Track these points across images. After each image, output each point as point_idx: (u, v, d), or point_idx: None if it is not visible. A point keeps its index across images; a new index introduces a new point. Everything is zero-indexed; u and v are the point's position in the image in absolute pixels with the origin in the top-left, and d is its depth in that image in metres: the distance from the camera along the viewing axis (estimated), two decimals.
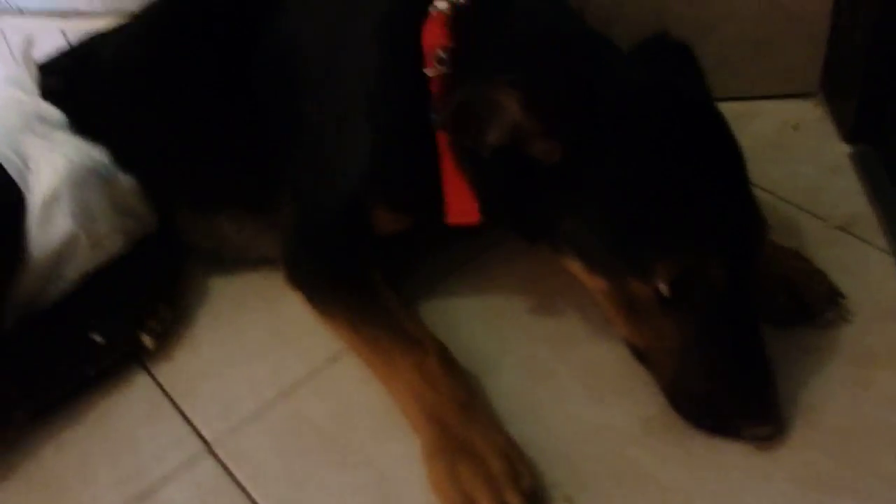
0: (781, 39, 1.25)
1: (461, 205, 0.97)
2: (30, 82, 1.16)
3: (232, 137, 1.12)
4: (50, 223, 1.01)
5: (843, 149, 1.23)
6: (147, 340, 1.07)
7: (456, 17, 0.95)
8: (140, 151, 1.13)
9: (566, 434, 0.92)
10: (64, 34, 1.42)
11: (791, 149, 1.24)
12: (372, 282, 1.02)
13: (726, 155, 0.87)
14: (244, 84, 1.11)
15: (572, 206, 0.86)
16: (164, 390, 1.05)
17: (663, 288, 0.81)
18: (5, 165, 1.03)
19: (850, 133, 1.22)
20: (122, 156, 1.12)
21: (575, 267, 0.90)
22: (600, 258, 0.87)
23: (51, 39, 1.39)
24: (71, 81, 1.18)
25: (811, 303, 0.99)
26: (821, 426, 0.90)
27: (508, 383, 0.98)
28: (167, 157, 1.15)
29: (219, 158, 1.13)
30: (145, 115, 1.15)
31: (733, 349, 0.84)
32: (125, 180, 1.10)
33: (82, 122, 1.12)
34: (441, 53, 0.94)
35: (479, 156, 0.88)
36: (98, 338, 1.04)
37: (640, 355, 0.92)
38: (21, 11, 1.49)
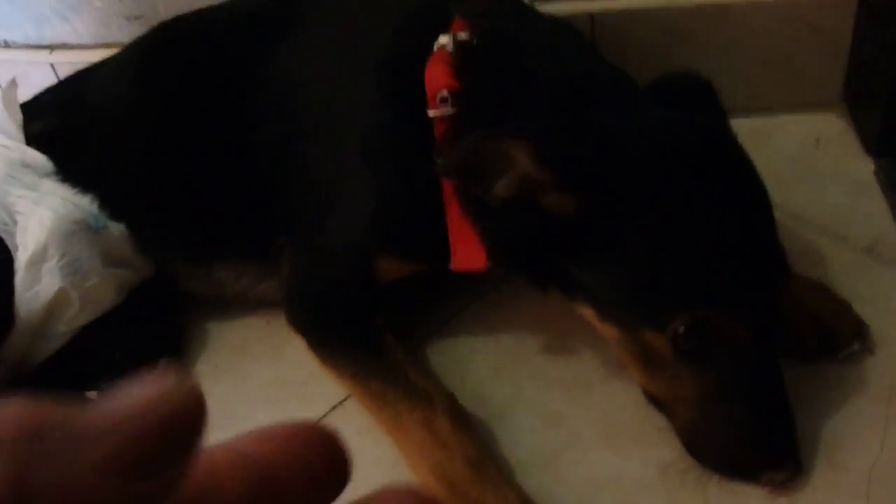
0: (802, 52, 1.20)
1: (467, 251, 0.94)
2: (14, 127, 1.13)
3: (227, 184, 1.08)
4: (37, 281, 0.99)
5: (868, 165, 1.17)
6: None
7: (460, 55, 0.91)
8: (130, 199, 1.10)
9: (580, 483, 0.89)
10: (53, 67, 1.39)
11: (813, 166, 1.19)
12: (376, 331, 0.99)
13: (751, 202, 0.84)
14: (238, 128, 1.07)
15: (586, 255, 0.83)
16: None
17: (679, 340, 0.79)
18: None
19: (874, 146, 1.16)
20: (112, 204, 1.09)
21: (587, 314, 0.87)
22: (614, 307, 0.85)
23: (39, 73, 1.37)
24: (57, 126, 1.15)
25: (836, 337, 0.95)
26: (847, 467, 0.86)
27: (520, 429, 0.95)
28: (159, 204, 1.12)
29: (214, 206, 1.10)
30: (134, 161, 1.12)
31: (754, 401, 0.82)
32: (116, 230, 1.07)
33: (70, 169, 1.10)
34: (445, 94, 0.90)
35: (488, 204, 0.84)
36: (94, 396, 1.01)
37: (657, 402, 0.88)
38: (7, 44, 1.46)
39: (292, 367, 1.07)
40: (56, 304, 1.00)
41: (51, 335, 1.02)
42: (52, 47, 1.42)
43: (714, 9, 1.18)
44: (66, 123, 1.15)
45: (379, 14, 1.05)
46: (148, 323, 1.10)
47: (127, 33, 1.33)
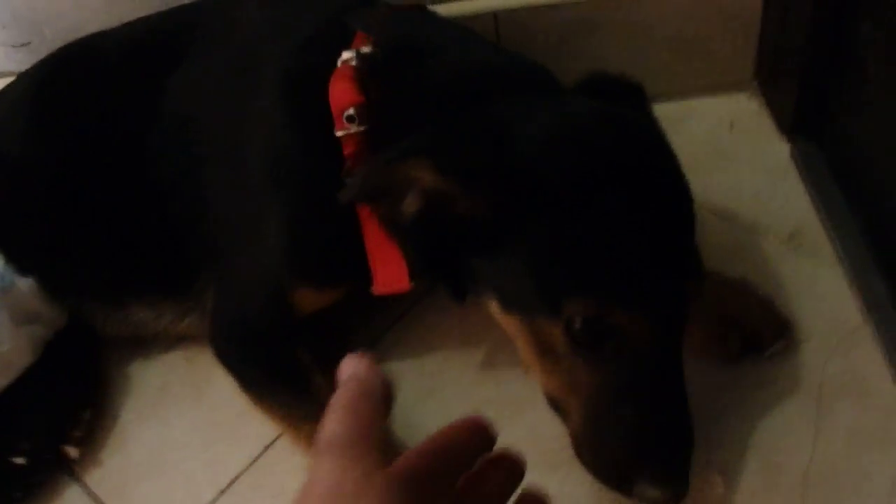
0: (712, 34, 1.19)
1: (389, 273, 0.91)
2: None
3: (134, 222, 1.05)
4: None
5: (784, 146, 1.17)
6: (72, 452, 1.02)
7: (363, 69, 0.88)
8: (37, 248, 1.06)
9: None
10: None
11: (728, 152, 1.19)
12: (303, 370, 0.97)
13: (665, 194, 0.80)
14: (138, 165, 1.03)
15: (493, 247, 0.80)
16: (97, 499, 1.01)
17: (574, 330, 0.76)
18: None
19: (789, 126, 1.17)
20: (19, 256, 1.05)
21: (493, 308, 0.84)
22: (515, 295, 0.81)
23: None
24: None
25: (761, 335, 0.96)
26: (781, 468, 0.88)
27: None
28: (67, 250, 1.07)
29: (123, 246, 1.06)
30: (37, 208, 1.07)
31: (646, 405, 0.78)
32: (24, 284, 1.03)
33: None
34: (351, 112, 0.86)
35: (415, 236, 0.83)
36: (20, 460, 1.00)
37: (554, 403, 0.85)
38: None
39: (219, 406, 1.06)
40: None
41: None
42: None
43: None
44: None
45: (276, 36, 1.00)
46: (65, 376, 1.07)
47: (14, 60, 1.27)
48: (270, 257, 0.96)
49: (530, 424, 0.96)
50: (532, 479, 0.87)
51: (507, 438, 0.90)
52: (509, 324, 0.84)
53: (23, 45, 1.26)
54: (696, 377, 0.91)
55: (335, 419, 0.53)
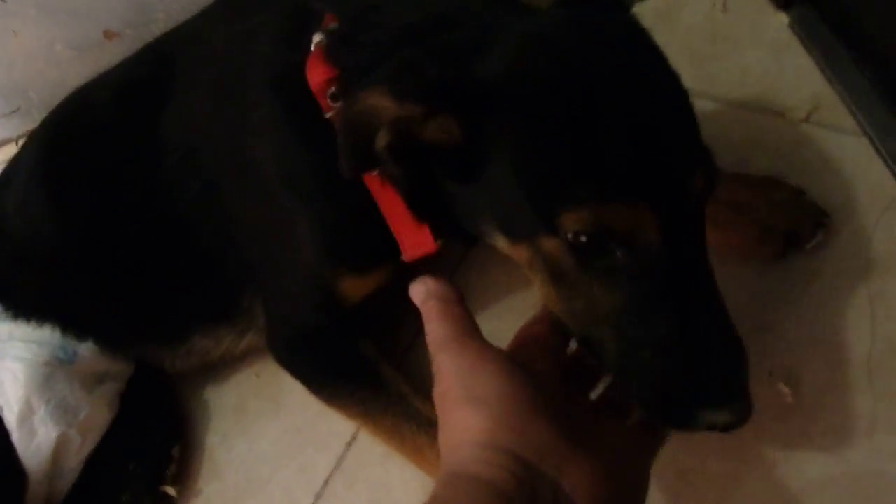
0: None
1: (412, 238, 0.91)
2: None
3: (172, 259, 1.08)
4: (34, 434, 1.02)
5: (782, 19, 1.13)
6: (170, 490, 1.09)
7: (332, 45, 0.86)
8: (89, 314, 1.10)
9: None
10: None
11: (727, 37, 1.15)
12: (370, 363, 1.00)
13: (652, 93, 0.72)
14: (160, 202, 1.05)
15: (480, 174, 0.75)
16: None
17: (576, 243, 0.69)
18: None
19: None
20: (73, 325, 1.09)
21: (501, 242, 0.78)
22: (512, 220, 0.75)
23: None
24: None
25: (798, 230, 0.94)
26: (847, 362, 0.86)
27: None
28: (118, 306, 1.11)
29: (167, 285, 1.10)
30: (79, 275, 1.10)
31: (680, 320, 0.69)
32: (86, 350, 1.09)
33: (16, 305, 1.09)
34: (332, 90, 0.85)
35: (404, 178, 0.80)
36: None
37: (588, 344, 0.76)
38: None
39: (296, 412, 1.10)
40: (60, 447, 1.03)
41: (64, 473, 1.05)
42: None
43: None
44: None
45: (249, 44, 0.99)
46: (147, 419, 1.13)
47: (8, 127, 1.30)
48: (308, 257, 0.97)
49: None
50: None
51: None
52: (519, 255, 0.77)
53: (13, 112, 1.28)
54: (741, 287, 0.92)
55: (435, 327, 0.69)
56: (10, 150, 1.33)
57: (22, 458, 1.02)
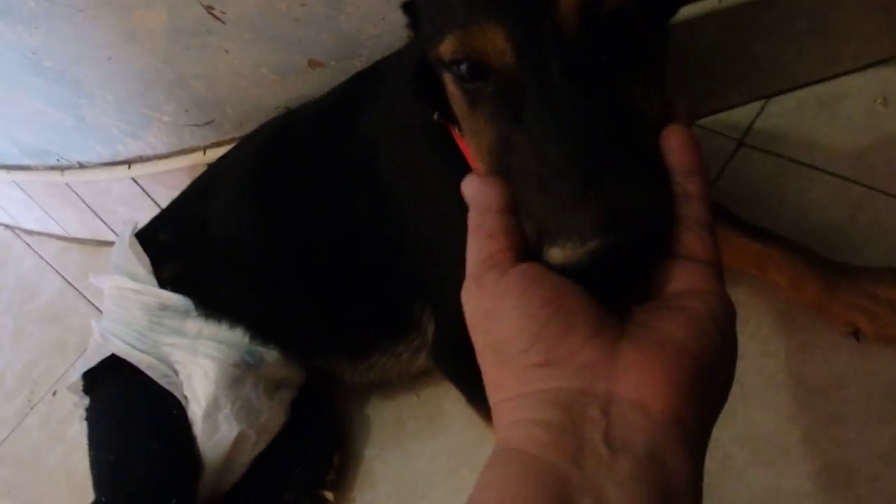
0: (853, 16, 1.22)
1: None
2: (142, 270, 1.23)
3: (362, 275, 1.16)
4: (217, 429, 1.12)
5: None
6: (328, 495, 1.20)
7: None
8: (282, 323, 1.21)
9: (740, 503, 0.98)
10: (135, 181, 1.46)
11: (886, 130, 1.21)
12: None
13: None
14: (355, 219, 1.14)
15: None
16: None
17: (456, 76, 0.69)
18: (150, 373, 1.13)
19: None
20: (264, 331, 1.20)
21: None
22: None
23: (121, 187, 1.44)
24: (189, 267, 1.24)
25: None
26: None
27: None
28: (311, 318, 1.21)
29: (360, 300, 1.18)
30: (277, 285, 1.21)
31: (535, 147, 0.61)
32: (270, 357, 1.20)
33: (211, 306, 1.20)
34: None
35: None
36: None
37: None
38: (82, 165, 1.52)
39: (455, 435, 1.19)
40: (237, 444, 1.14)
41: (235, 467, 1.17)
42: (129, 162, 1.49)
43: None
44: (197, 262, 1.24)
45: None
46: (312, 426, 1.24)
47: (200, 137, 1.40)
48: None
49: (742, 423, 1.04)
50: (749, 476, 1.00)
51: (724, 440, 1.03)
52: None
53: (206, 123, 1.39)
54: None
55: (468, 255, 0.60)
56: (198, 157, 1.47)
57: (201, 449, 1.13)
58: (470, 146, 0.73)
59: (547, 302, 0.53)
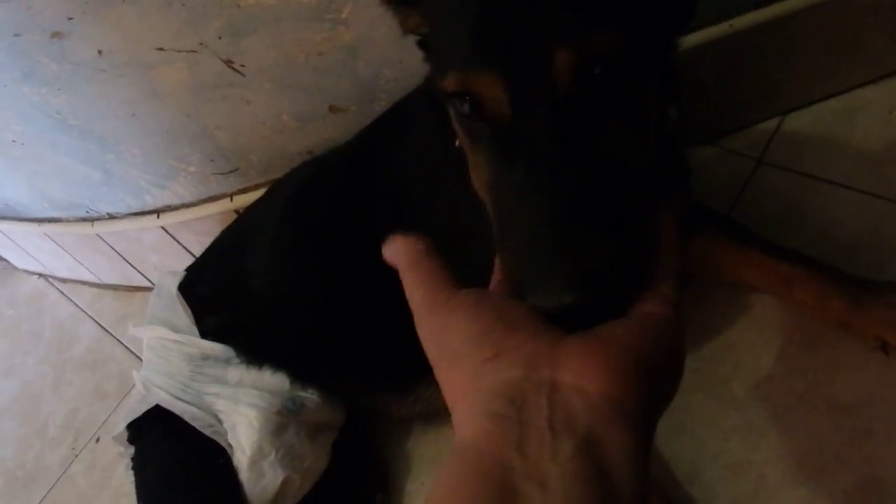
0: (863, 30, 1.26)
1: None
2: (186, 319, 1.27)
3: (404, 316, 1.15)
4: (262, 476, 1.17)
5: None
6: None
7: None
8: (324, 366, 1.25)
9: None
10: (164, 230, 1.51)
11: None
12: None
13: None
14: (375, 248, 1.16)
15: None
16: None
17: (456, 112, 0.73)
18: (194, 424, 1.17)
19: None
20: (307, 375, 1.24)
21: None
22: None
23: (151, 236, 1.49)
24: (231, 317, 1.27)
25: None
26: None
27: (711, 483, 1.07)
28: (355, 359, 1.24)
29: (398, 335, 1.18)
30: (317, 327, 1.24)
31: (521, 195, 0.66)
32: (311, 402, 1.24)
33: (251, 350, 1.24)
34: None
35: None
36: None
37: None
38: (111, 216, 1.57)
39: None
40: (283, 490, 1.19)
41: None
42: (157, 212, 1.55)
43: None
44: (238, 313, 1.28)
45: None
46: (355, 466, 1.28)
47: (226, 185, 1.45)
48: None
49: (773, 445, 1.07)
50: (780, 496, 1.02)
51: (756, 461, 1.06)
52: None
53: (231, 171, 1.44)
54: None
55: (411, 294, 0.68)
56: (225, 204, 1.53)
57: (248, 496, 1.17)
58: (472, 177, 0.77)
59: (491, 309, 0.60)
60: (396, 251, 0.71)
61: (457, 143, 0.83)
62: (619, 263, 0.63)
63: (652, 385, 0.54)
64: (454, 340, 0.61)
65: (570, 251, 0.62)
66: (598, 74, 0.66)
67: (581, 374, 0.53)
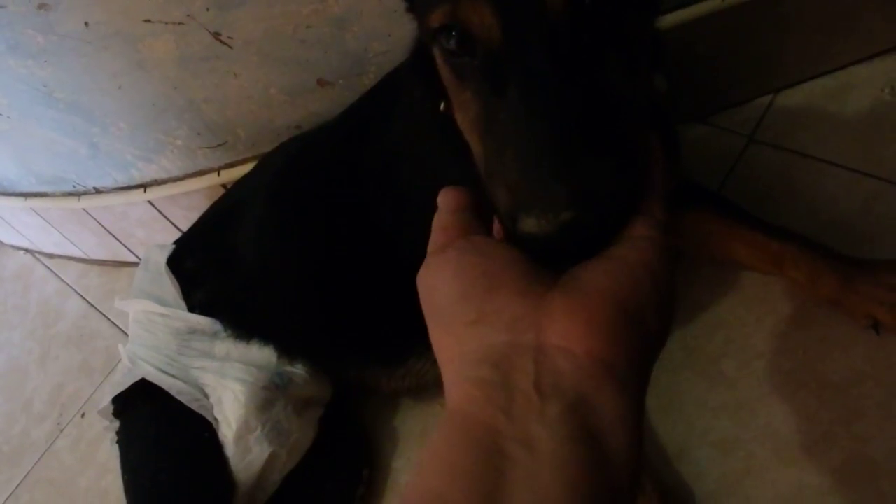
0: (860, 8, 1.24)
1: None
2: (173, 293, 1.26)
3: (394, 287, 1.12)
4: (248, 451, 1.16)
5: None
6: None
7: None
8: (314, 338, 1.23)
9: (768, 502, 1.00)
10: (151, 203, 1.49)
11: (894, 120, 1.23)
12: None
13: None
14: (381, 235, 1.15)
15: None
16: None
17: (443, 48, 0.72)
18: (180, 398, 1.16)
19: None
20: (295, 348, 1.23)
21: None
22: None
23: (138, 210, 1.47)
24: (219, 290, 1.26)
25: None
26: None
27: (699, 461, 1.07)
28: (344, 329, 1.23)
29: (388, 304, 1.18)
30: (307, 300, 1.23)
31: (521, 116, 0.65)
32: (298, 377, 1.23)
33: (239, 325, 1.23)
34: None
35: None
36: None
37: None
38: (98, 190, 1.56)
39: None
40: (269, 465, 1.18)
41: (267, 486, 1.20)
42: (144, 186, 1.53)
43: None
44: (227, 287, 1.27)
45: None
46: (341, 442, 1.27)
47: (213, 159, 1.44)
48: None
49: (762, 424, 1.07)
50: (769, 474, 1.02)
51: (745, 439, 1.06)
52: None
53: (219, 145, 1.42)
54: None
55: (432, 233, 0.66)
56: (212, 179, 1.51)
57: (233, 471, 1.16)
58: (458, 118, 0.77)
59: (473, 266, 0.59)
60: (443, 196, 0.69)
61: (442, 107, 0.83)
62: (617, 183, 0.62)
63: (641, 341, 0.53)
64: (440, 299, 0.60)
65: (568, 169, 0.61)
66: (588, 3, 0.65)
67: (566, 334, 0.52)
